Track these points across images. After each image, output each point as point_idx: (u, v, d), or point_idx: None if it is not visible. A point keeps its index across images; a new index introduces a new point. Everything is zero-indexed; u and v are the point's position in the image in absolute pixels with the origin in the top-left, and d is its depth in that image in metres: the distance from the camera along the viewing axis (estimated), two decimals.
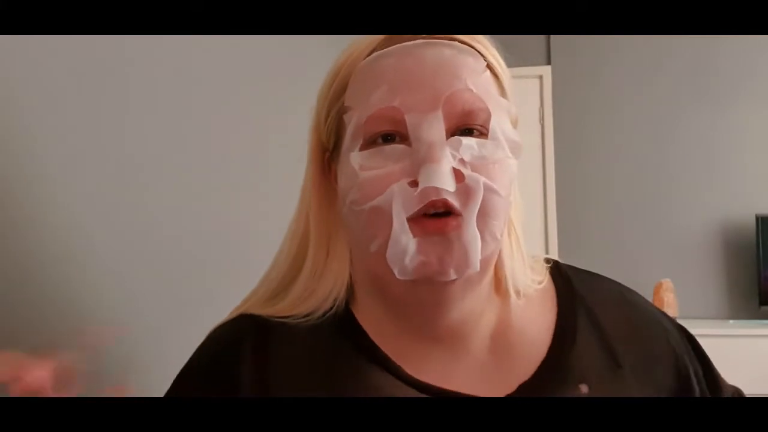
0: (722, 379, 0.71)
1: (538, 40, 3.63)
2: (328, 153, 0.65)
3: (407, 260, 0.57)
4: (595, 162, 3.63)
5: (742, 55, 3.48)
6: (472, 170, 0.57)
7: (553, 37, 3.62)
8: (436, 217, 0.57)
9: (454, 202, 0.56)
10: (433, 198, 0.56)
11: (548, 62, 3.66)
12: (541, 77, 3.64)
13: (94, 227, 0.86)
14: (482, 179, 0.57)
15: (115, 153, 0.92)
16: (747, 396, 0.71)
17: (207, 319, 0.71)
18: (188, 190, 1.12)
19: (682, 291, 3.39)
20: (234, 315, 0.68)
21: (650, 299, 3.32)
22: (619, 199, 3.60)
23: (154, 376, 0.96)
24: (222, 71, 1.26)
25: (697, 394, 0.67)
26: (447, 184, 0.55)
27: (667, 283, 3.34)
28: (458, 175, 0.57)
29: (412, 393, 0.61)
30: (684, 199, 3.53)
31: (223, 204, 1.25)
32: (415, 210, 0.56)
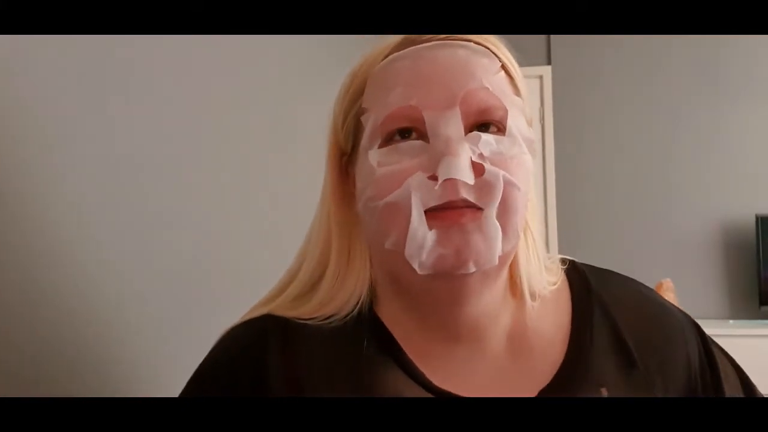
0: (729, 386, 0.70)
1: (538, 40, 3.63)
2: (345, 156, 0.66)
3: (425, 255, 0.57)
4: (595, 162, 3.63)
5: (743, 55, 3.48)
6: (491, 164, 0.57)
7: (553, 37, 3.62)
8: (455, 207, 0.57)
9: (473, 198, 0.56)
10: (452, 198, 0.56)
11: (548, 62, 3.66)
12: (541, 77, 3.64)
13: (97, 228, 0.86)
14: (502, 173, 0.57)
15: (120, 153, 0.92)
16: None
17: (213, 319, 0.71)
18: (193, 190, 1.12)
19: (682, 291, 3.39)
20: (252, 315, 0.68)
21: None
22: (619, 199, 3.60)
23: (160, 376, 0.96)
24: (225, 72, 1.26)
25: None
26: (466, 176, 0.56)
27: (668, 283, 3.33)
28: (478, 169, 0.57)
29: (414, 389, 0.61)
30: (684, 199, 3.53)
31: (228, 205, 1.25)
32: (434, 205, 0.57)
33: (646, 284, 0.74)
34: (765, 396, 0.72)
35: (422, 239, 0.56)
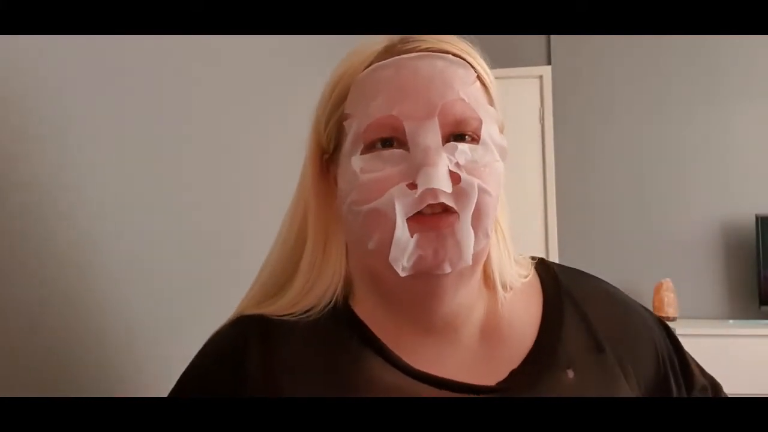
0: (697, 375, 0.74)
1: (538, 40, 3.63)
2: (327, 155, 0.68)
3: (405, 259, 0.60)
4: (595, 162, 3.63)
5: (743, 55, 3.48)
6: (467, 173, 0.61)
7: (553, 37, 3.62)
8: (433, 214, 0.61)
9: (451, 203, 0.60)
10: (431, 201, 0.60)
11: (548, 62, 3.66)
12: (541, 77, 3.64)
13: (98, 228, 0.87)
14: (477, 182, 0.61)
15: (120, 154, 0.92)
16: (747, 396, 0.72)
17: (215, 319, 0.71)
18: (192, 192, 1.12)
19: (682, 291, 3.39)
20: (233, 317, 0.70)
21: (650, 299, 3.33)
22: (620, 198, 3.60)
23: (159, 377, 0.96)
24: (223, 71, 1.26)
25: (674, 389, 0.71)
26: (444, 185, 0.59)
27: (668, 283, 3.34)
28: (454, 178, 0.60)
29: (410, 382, 0.64)
30: (684, 199, 3.53)
31: (228, 205, 1.25)
32: (414, 212, 0.60)
33: (647, 284, 0.77)
34: (764, 396, 0.73)
35: (405, 245, 0.60)
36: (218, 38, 1.19)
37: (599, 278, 0.77)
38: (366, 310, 0.68)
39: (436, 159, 0.59)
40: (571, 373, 0.66)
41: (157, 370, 0.97)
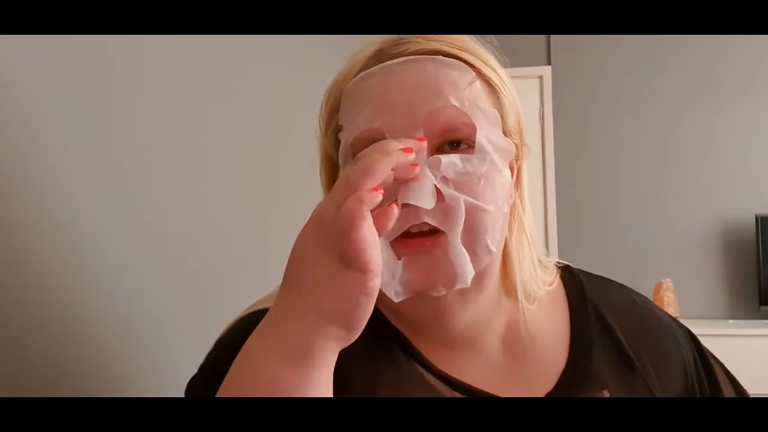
0: (726, 388, 0.71)
1: (538, 40, 3.63)
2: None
3: (396, 284, 0.57)
4: (595, 162, 3.63)
5: (743, 55, 3.48)
6: (456, 187, 0.57)
7: (553, 37, 3.62)
8: (420, 235, 0.57)
9: (435, 222, 0.56)
10: (413, 222, 0.56)
11: (548, 62, 3.66)
12: (541, 77, 3.64)
13: (98, 229, 0.86)
14: (462, 198, 0.56)
15: (120, 153, 0.92)
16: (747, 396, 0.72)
17: (216, 320, 0.71)
18: (196, 191, 1.12)
19: (682, 291, 3.39)
20: (250, 310, 0.67)
21: (650, 299, 3.32)
22: (620, 198, 3.60)
23: (160, 377, 0.96)
24: (223, 71, 1.26)
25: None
26: (424, 201, 0.55)
27: (667, 283, 3.34)
28: (439, 195, 0.56)
29: (442, 386, 0.62)
30: (684, 199, 3.53)
31: (231, 205, 1.25)
32: (398, 234, 0.56)
33: (646, 284, 0.76)
34: (764, 396, 0.72)
35: (392, 271, 0.56)
36: (217, 37, 1.19)
37: (628, 288, 0.74)
38: (389, 313, 0.66)
39: (418, 174, 0.55)
40: (607, 393, 0.64)
41: (156, 371, 0.96)
